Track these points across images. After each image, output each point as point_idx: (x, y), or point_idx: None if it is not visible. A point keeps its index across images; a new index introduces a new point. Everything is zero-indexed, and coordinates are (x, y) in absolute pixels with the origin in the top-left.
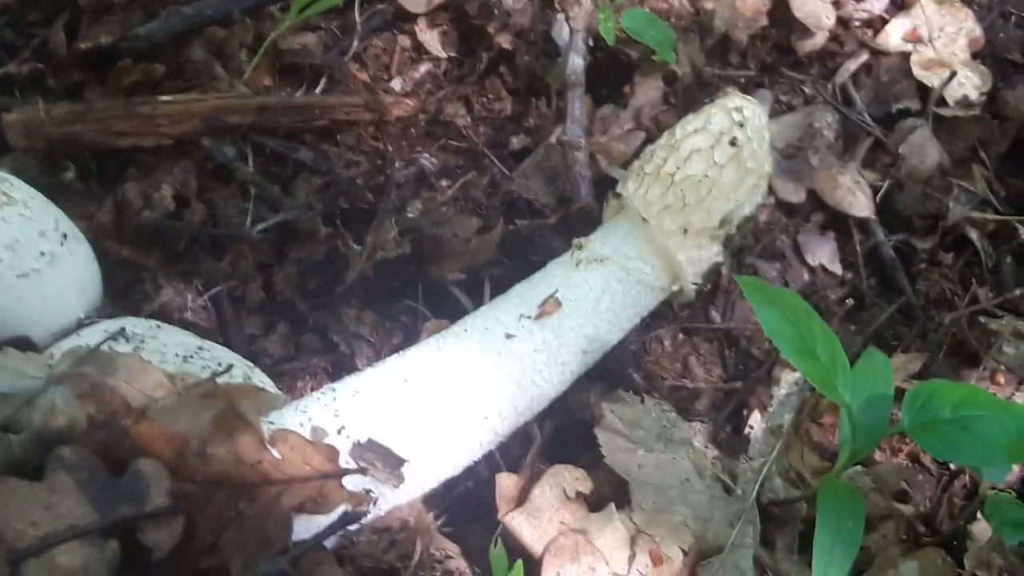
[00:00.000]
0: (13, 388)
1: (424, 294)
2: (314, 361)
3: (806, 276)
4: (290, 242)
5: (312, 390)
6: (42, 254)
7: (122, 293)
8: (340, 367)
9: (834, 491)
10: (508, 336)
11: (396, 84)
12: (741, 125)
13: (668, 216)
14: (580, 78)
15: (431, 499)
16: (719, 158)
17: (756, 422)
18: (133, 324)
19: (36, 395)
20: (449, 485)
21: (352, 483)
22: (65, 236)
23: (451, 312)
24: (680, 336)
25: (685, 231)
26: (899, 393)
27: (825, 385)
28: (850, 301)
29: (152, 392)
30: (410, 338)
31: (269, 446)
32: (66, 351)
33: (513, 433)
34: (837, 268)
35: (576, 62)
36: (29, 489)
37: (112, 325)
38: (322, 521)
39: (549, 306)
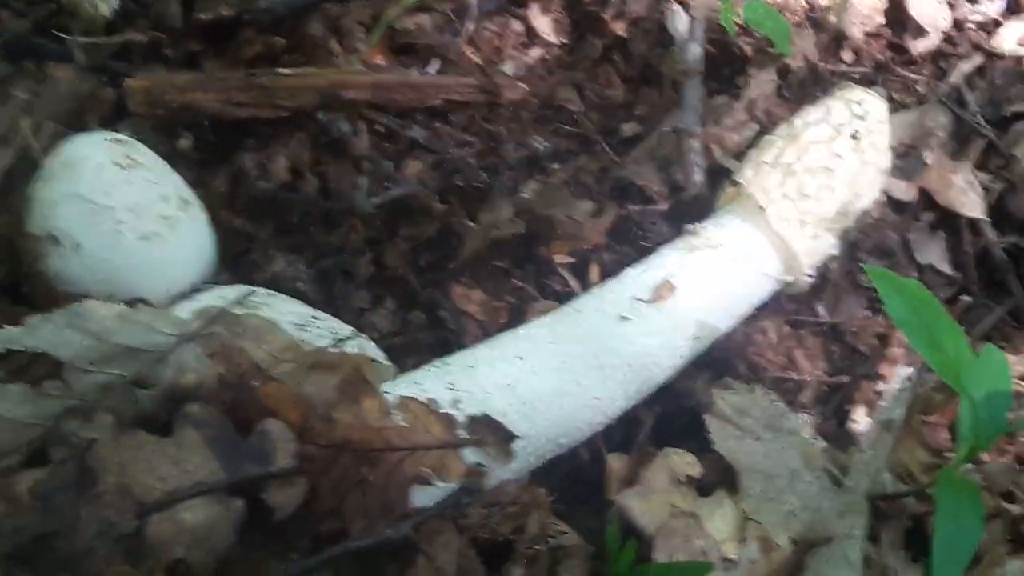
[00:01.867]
0: (144, 343)
1: (532, 275)
2: (420, 337)
3: (915, 275)
4: (402, 218)
5: (416, 367)
6: (163, 218)
7: (234, 262)
8: (446, 344)
9: (953, 486)
10: (622, 318)
11: (508, 68)
12: (862, 118)
13: (786, 205)
14: (698, 66)
15: (535, 477)
16: (840, 150)
17: (861, 417)
18: (255, 293)
19: (167, 352)
20: (552, 464)
21: (465, 455)
22: (185, 202)
23: (558, 295)
24: (786, 328)
25: (802, 221)
26: None
27: (951, 377)
28: (965, 298)
29: (279, 354)
30: (517, 319)
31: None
32: (197, 310)
33: (620, 416)
34: (947, 268)
35: (695, 50)
36: (157, 444)
37: (229, 291)
38: (434, 492)
39: (663, 290)
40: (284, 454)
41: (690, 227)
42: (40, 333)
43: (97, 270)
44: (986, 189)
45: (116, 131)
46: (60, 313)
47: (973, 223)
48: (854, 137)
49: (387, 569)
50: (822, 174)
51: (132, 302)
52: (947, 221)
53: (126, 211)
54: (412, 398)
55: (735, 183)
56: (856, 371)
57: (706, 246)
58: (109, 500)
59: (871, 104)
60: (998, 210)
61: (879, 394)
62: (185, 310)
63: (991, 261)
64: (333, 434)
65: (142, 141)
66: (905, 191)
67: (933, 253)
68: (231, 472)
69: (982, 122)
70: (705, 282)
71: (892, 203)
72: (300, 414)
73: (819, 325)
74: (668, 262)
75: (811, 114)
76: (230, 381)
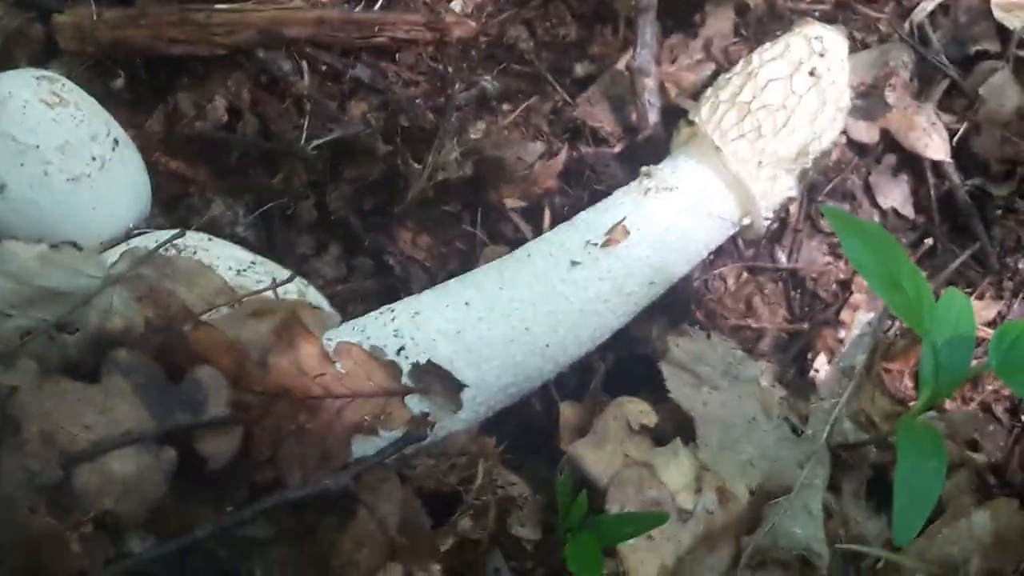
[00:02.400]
0: (69, 286)
1: (482, 220)
2: (366, 284)
3: (877, 218)
4: (345, 160)
5: (364, 313)
6: (93, 158)
7: (170, 206)
8: (392, 292)
9: (915, 432)
10: (573, 263)
11: (456, 5)
12: (822, 55)
13: (743, 145)
14: (653, 3)
15: (485, 428)
16: (798, 87)
17: (822, 365)
18: (184, 235)
19: (92, 295)
20: (503, 415)
21: (411, 404)
22: (116, 142)
23: (509, 240)
24: (744, 275)
25: (760, 162)
26: None
27: (912, 319)
28: (927, 242)
29: (212, 298)
30: (466, 264)
31: (330, 360)
32: (124, 251)
33: (572, 365)
34: (909, 211)
35: None
36: (83, 391)
37: (163, 235)
38: (377, 442)
39: (617, 234)
40: (217, 401)
41: (645, 169)
42: None
43: (24, 213)
44: (950, 130)
45: (46, 68)
46: None
47: (937, 165)
48: (812, 74)
49: (326, 520)
50: (780, 113)
51: (55, 245)
52: (910, 163)
53: (54, 151)
54: (353, 344)
55: (690, 123)
56: (816, 318)
57: (661, 188)
58: (32, 449)
59: (831, 40)
60: (962, 152)
61: (840, 341)
62: (115, 254)
63: (955, 204)
64: (269, 381)
65: (74, 80)
66: (866, 132)
67: (896, 196)
68: (161, 420)
69: (946, 61)
70: (660, 226)
71: (853, 145)
72: (233, 360)
73: (778, 271)
74: (621, 205)
75: (769, 51)
76: (159, 325)
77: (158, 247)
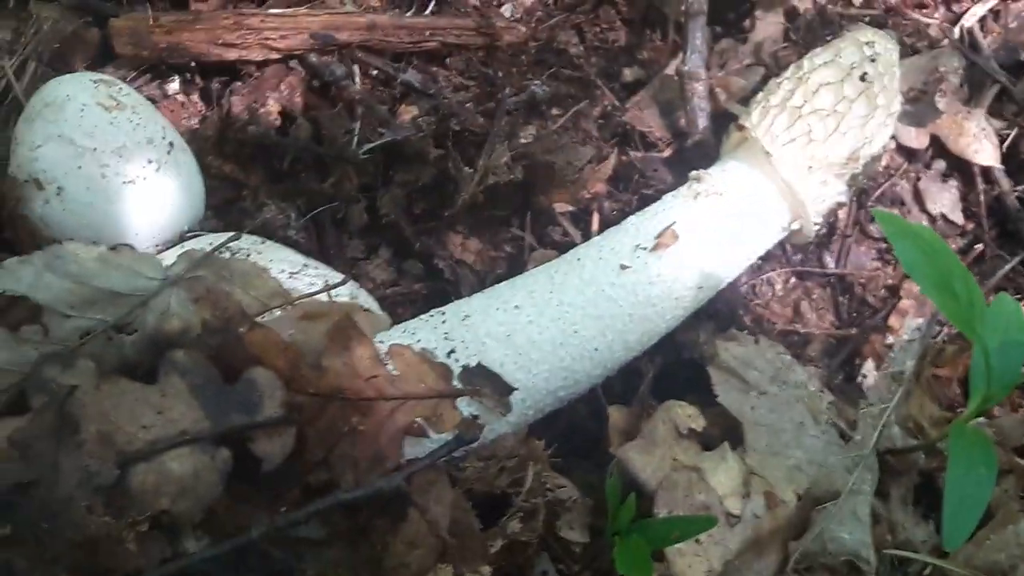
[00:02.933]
0: (127, 288)
1: (531, 224)
2: (416, 287)
3: (926, 224)
4: (396, 164)
5: (413, 317)
6: (149, 161)
7: (223, 209)
8: (442, 295)
9: (966, 437)
10: (623, 267)
11: (506, 10)
12: (872, 60)
13: (793, 150)
14: (703, 7)
15: (533, 431)
16: (849, 92)
17: (870, 370)
18: (240, 238)
19: (150, 296)
20: (551, 418)
21: (461, 407)
22: (172, 145)
23: (557, 244)
24: (792, 280)
25: (810, 167)
26: None
27: (964, 323)
28: (978, 247)
29: (268, 300)
30: (515, 268)
31: (383, 362)
32: (181, 254)
33: (619, 368)
34: (958, 217)
35: None
36: (141, 392)
37: (217, 238)
38: (428, 444)
39: (666, 238)
40: (272, 403)
41: (694, 173)
42: (18, 275)
43: (81, 215)
44: (1000, 136)
45: (101, 72)
46: (39, 255)
47: (986, 171)
48: (864, 79)
49: (378, 522)
50: (831, 117)
51: (114, 246)
52: (959, 169)
53: (111, 154)
54: (406, 346)
55: (741, 127)
56: (865, 323)
57: (710, 193)
58: (90, 449)
59: (882, 45)
60: (1012, 158)
61: (888, 347)
62: (172, 258)
63: (1004, 210)
64: (322, 382)
65: (128, 83)
66: (916, 138)
67: (945, 202)
68: (217, 421)
69: (996, 67)
70: (709, 230)
71: (902, 150)
72: (288, 362)
73: (826, 276)
74: (671, 209)
75: (820, 55)
76: (216, 327)
77: (215, 249)
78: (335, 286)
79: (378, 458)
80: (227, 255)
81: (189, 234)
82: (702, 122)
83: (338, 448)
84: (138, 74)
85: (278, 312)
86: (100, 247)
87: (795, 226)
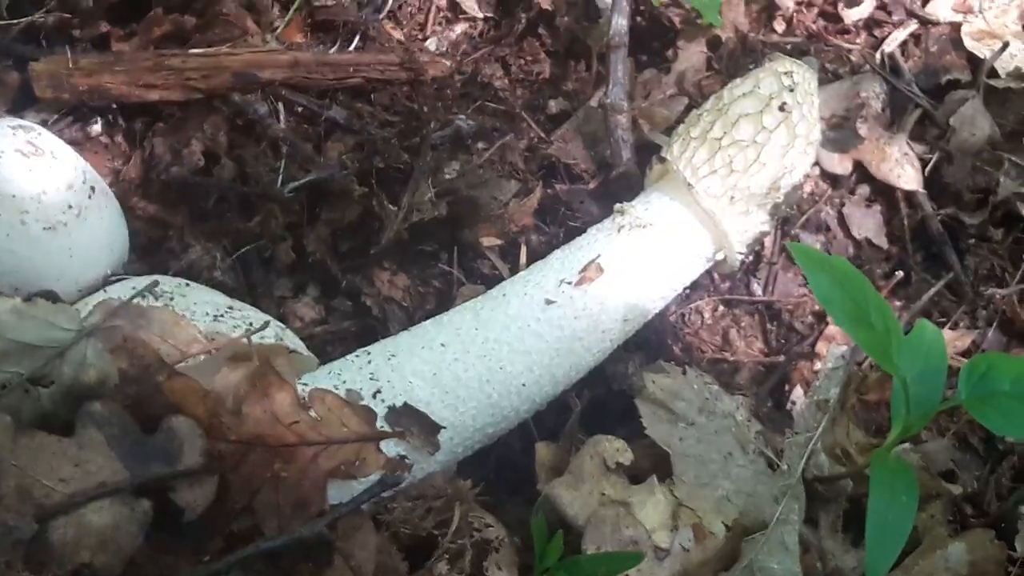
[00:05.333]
0: (42, 339)
1: (458, 259)
2: (344, 325)
3: (851, 249)
4: (322, 202)
5: (342, 355)
6: (69, 207)
7: (148, 251)
8: (371, 332)
9: (887, 466)
10: (548, 302)
11: (431, 44)
12: (791, 90)
13: (714, 181)
14: (624, 39)
15: (463, 469)
16: (768, 123)
17: (799, 397)
18: (161, 281)
19: (66, 347)
20: (482, 454)
21: (387, 448)
22: (93, 189)
23: (486, 278)
24: (720, 308)
25: (732, 197)
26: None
27: (880, 354)
28: (899, 274)
29: (186, 348)
30: (444, 303)
31: (305, 407)
32: (97, 303)
33: (549, 403)
34: (883, 242)
35: (620, 23)
36: (58, 445)
37: (140, 282)
38: (355, 487)
39: (591, 272)
40: (192, 451)
41: (618, 206)
42: None
43: (1, 262)
44: (922, 160)
45: (22, 117)
46: None
47: (909, 195)
48: (783, 109)
49: (301, 569)
50: (751, 148)
51: (33, 296)
52: (883, 194)
53: (30, 200)
54: (326, 390)
55: (662, 160)
56: (792, 350)
57: (634, 225)
58: (8, 504)
59: (800, 75)
60: (934, 181)
61: (816, 373)
62: (95, 303)
63: (928, 234)
64: (243, 429)
65: (51, 127)
66: (839, 164)
67: (869, 227)
68: (136, 472)
69: (917, 91)
70: (633, 263)
71: (826, 176)
72: (208, 409)
73: (754, 303)
74: (595, 243)
75: (739, 87)
76: (133, 376)
77: (132, 298)
78: (256, 331)
79: (301, 504)
80: (147, 301)
81: (113, 278)
82: (626, 154)
83: (261, 495)
84: (60, 117)
85: (202, 357)
86: (15, 299)
87: (719, 256)
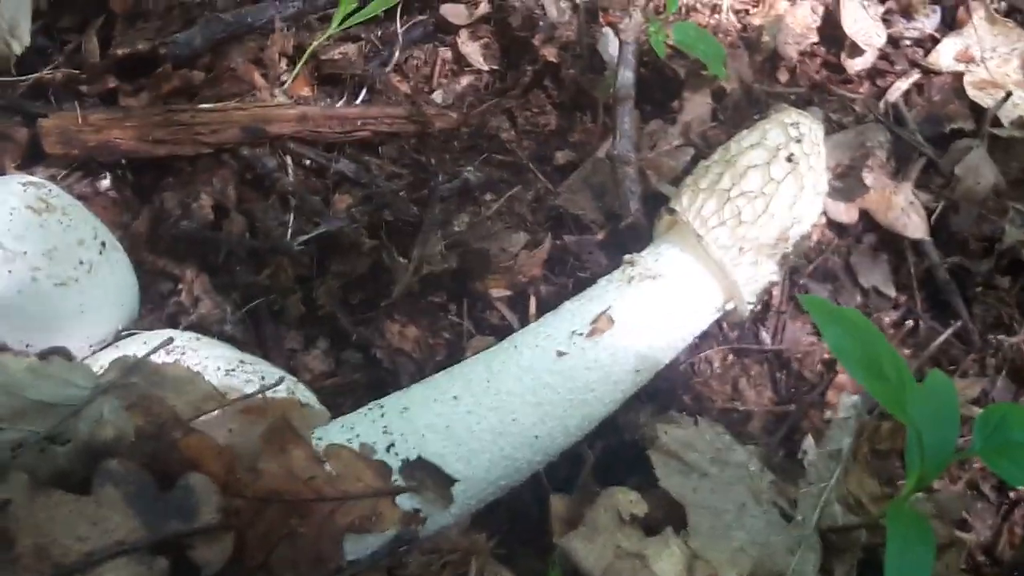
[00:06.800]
0: (58, 398)
1: (468, 310)
2: (355, 377)
3: (859, 298)
4: (331, 255)
5: (353, 408)
6: (81, 263)
7: (159, 305)
8: (382, 384)
9: (903, 517)
10: (560, 354)
11: (438, 96)
12: (798, 140)
13: (723, 232)
14: (630, 91)
15: (476, 520)
16: (776, 174)
17: (810, 446)
18: (173, 336)
19: (82, 405)
20: (493, 506)
21: (402, 502)
22: (104, 245)
23: (496, 329)
24: (730, 357)
25: (741, 248)
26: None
27: (894, 406)
28: (908, 323)
29: (201, 404)
30: (454, 355)
31: (320, 461)
32: (112, 361)
33: (561, 454)
34: (891, 290)
35: (626, 75)
36: (75, 503)
37: (152, 336)
38: (369, 541)
39: (602, 323)
40: (208, 508)
41: (628, 257)
42: None
43: (12, 319)
44: (928, 209)
45: (32, 173)
46: None
47: (916, 244)
48: (790, 160)
49: None
50: (759, 199)
51: (47, 353)
52: (890, 242)
53: (41, 257)
54: (342, 445)
55: (671, 211)
56: (803, 399)
57: (644, 277)
58: (26, 563)
59: (807, 125)
60: (940, 230)
61: (827, 422)
62: (107, 358)
63: (935, 282)
64: (259, 485)
65: (60, 183)
66: (845, 213)
67: (877, 276)
68: (153, 529)
69: (921, 140)
70: (644, 314)
71: (833, 225)
72: (224, 466)
73: (763, 352)
74: (606, 294)
75: (746, 138)
76: (149, 433)
77: (148, 355)
78: (270, 387)
79: (319, 560)
80: (160, 358)
81: (124, 333)
82: (634, 204)
83: (278, 551)
84: (69, 172)
85: (213, 414)
86: (30, 358)
87: (729, 306)
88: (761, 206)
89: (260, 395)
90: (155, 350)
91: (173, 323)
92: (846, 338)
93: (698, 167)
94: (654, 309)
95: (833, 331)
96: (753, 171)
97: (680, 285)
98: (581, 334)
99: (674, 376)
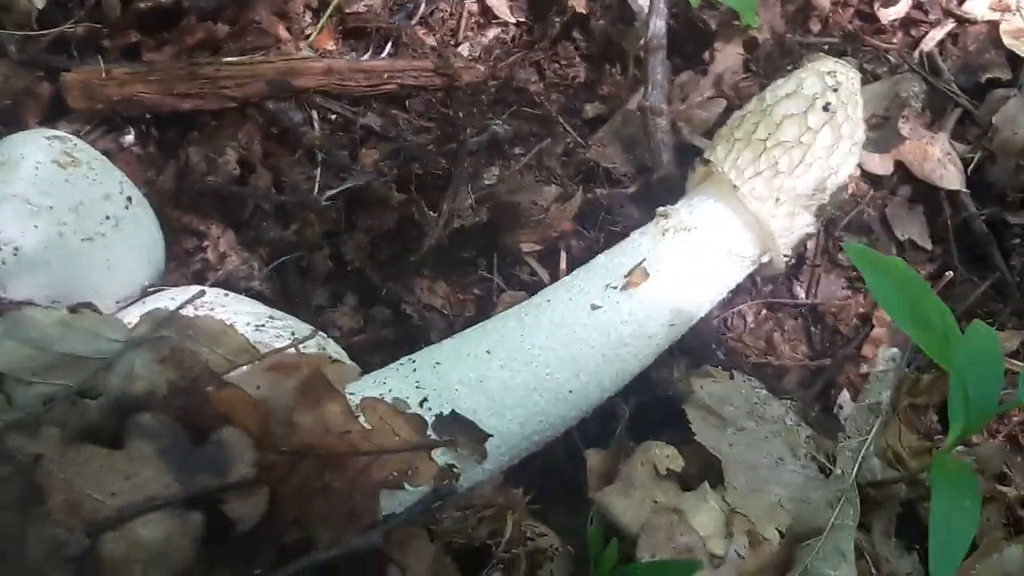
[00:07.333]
0: (89, 351)
1: (498, 265)
2: (384, 334)
3: (894, 251)
4: (359, 210)
5: (382, 364)
6: (107, 217)
7: (185, 262)
8: (411, 340)
9: (948, 469)
10: (594, 307)
11: (464, 49)
12: (835, 90)
13: (760, 183)
14: (662, 41)
15: (510, 477)
16: (813, 123)
17: (846, 401)
18: (205, 295)
19: (114, 359)
20: (526, 461)
21: (435, 457)
22: (130, 200)
23: (525, 284)
24: (763, 312)
25: (778, 199)
26: None
27: (940, 355)
28: (948, 274)
29: (235, 357)
30: (484, 311)
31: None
32: (145, 314)
33: (594, 410)
34: (927, 243)
35: (658, 24)
36: (107, 458)
37: (180, 292)
38: (403, 497)
39: (636, 276)
40: (242, 463)
41: (661, 210)
42: None
43: (38, 275)
44: (964, 160)
45: (55, 128)
46: None
47: (952, 196)
48: (827, 109)
49: None
50: (796, 149)
51: (76, 308)
52: (925, 194)
53: (67, 212)
54: (377, 399)
55: (706, 162)
56: (838, 353)
57: (679, 229)
58: (58, 519)
59: (844, 74)
60: (977, 181)
61: (863, 376)
62: (134, 314)
63: (972, 234)
64: (294, 440)
65: (83, 138)
66: (880, 164)
67: (912, 228)
68: (187, 484)
69: (957, 90)
70: (679, 267)
71: (868, 177)
72: (258, 420)
73: (797, 307)
74: (640, 247)
75: (782, 87)
76: (182, 387)
77: (180, 307)
78: (303, 340)
79: (354, 515)
80: (191, 312)
81: (151, 289)
82: (666, 157)
83: (312, 506)
84: (92, 128)
85: (244, 368)
86: (60, 311)
87: (764, 259)
88: (798, 156)
89: (293, 349)
90: (186, 303)
91: (199, 280)
92: (891, 287)
93: (733, 117)
94: (689, 261)
95: (878, 280)
96: (789, 121)
97: (715, 237)
98: (615, 287)
99: (706, 331)
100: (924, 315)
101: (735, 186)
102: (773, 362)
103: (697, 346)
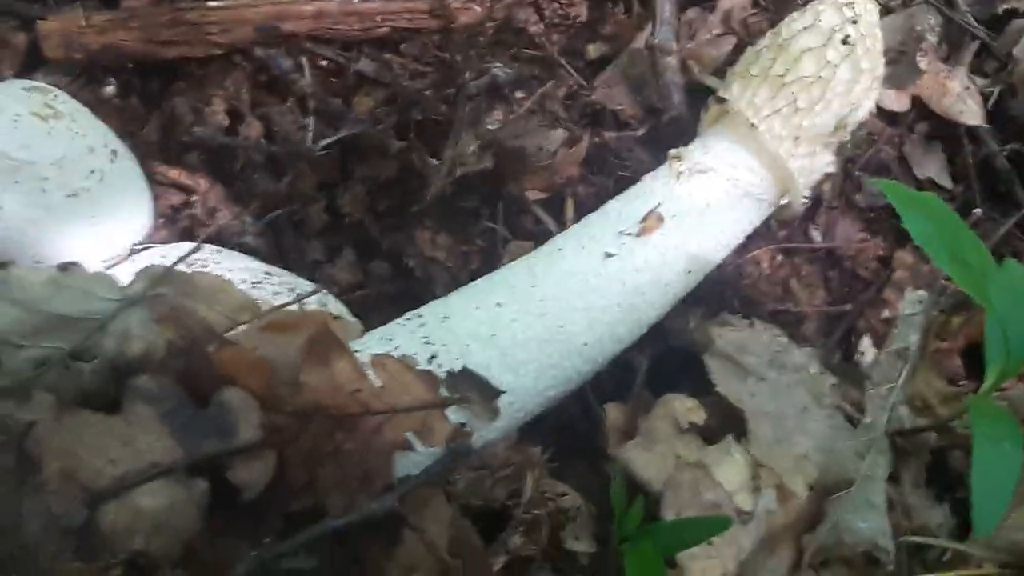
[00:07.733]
0: (81, 311)
1: (503, 214)
2: (384, 289)
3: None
4: (356, 160)
5: (384, 322)
6: (92, 172)
7: (173, 218)
8: (413, 295)
9: (988, 414)
10: (607, 255)
11: None
12: (854, 22)
13: (778, 121)
14: None
15: (523, 435)
16: (832, 57)
17: (867, 347)
18: (201, 250)
19: (108, 319)
20: (539, 418)
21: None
22: (115, 153)
23: (531, 234)
24: (779, 257)
25: (797, 138)
26: None
27: (978, 292)
28: (976, 212)
29: (235, 315)
30: (489, 262)
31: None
32: (140, 271)
33: (609, 363)
34: (947, 181)
35: None
36: (104, 423)
37: (170, 250)
38: (416, 458)
39: (651, 222)
40: (247, 425)
41: (674, 152)
42: None
43: (21, 233)
44: (983, 94)
45: (32, 79)
46: None
47: (972, 131)
48: (846, 43)
49: (372, 547)
50: (815, 85)
51: (64, 266)
52: (944, 130)
53: (50, 167)
54: (387, 356)
55: (720, 100)
56: (858, 298)
57: (694, 171)
58: (54, 489)
59: (863, 6)
60: (997, 116)
61: (885, 321)
62: (125, 272)
63: (993, 171)
64: (301, 400)
65: (62, 89)
66: (896, 100)
67: (932, 166)
68: (190, 449)
69: (974, 22)
70: (696, 210)
71: (883, 114)
72: (262, 380)
73: (814, 251)
74: (653, 192)
75: (799, 20)
76: (181, 348)
77: (176, 263)
78: (306, 296)
79: (367, 478)
80: (187, 269)
81: (139, 247)
82: (676, 97)
83: (323, 470)
84: (71, 79)
85: (243, 327)
86: (49, 269)
87: (783, 201)
88: (817, 92)
89: (296, 305)
90: (181, 259)
91: (188, 237)
92: (928, 224)
93: (747, 53)
94: (706, 205)
95: (914, 217)
96: (807, 55)
97: (733, 179)
98: (630, 234)
99: (721, 279)
100: (961, 251)
101: (752, 124)
102: (791, 309)
103: (711, 295)
